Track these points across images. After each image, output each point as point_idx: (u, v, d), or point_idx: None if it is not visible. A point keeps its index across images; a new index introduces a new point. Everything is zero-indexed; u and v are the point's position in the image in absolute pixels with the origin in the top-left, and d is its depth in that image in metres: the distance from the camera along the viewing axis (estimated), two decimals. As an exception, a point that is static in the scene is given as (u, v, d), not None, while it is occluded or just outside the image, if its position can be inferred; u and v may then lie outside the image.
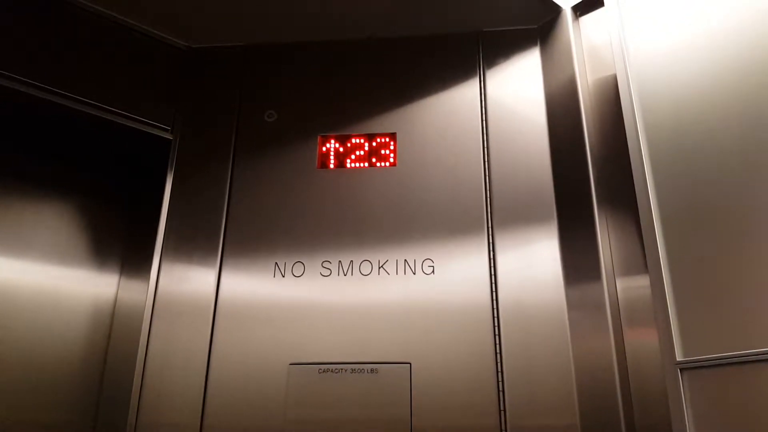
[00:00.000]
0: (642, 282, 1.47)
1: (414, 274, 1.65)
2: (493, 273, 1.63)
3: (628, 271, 1.53)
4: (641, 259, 1.48)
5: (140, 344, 1.63)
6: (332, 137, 1.86)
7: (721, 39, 1.38)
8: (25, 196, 1.91)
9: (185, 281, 1.71)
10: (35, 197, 1.93)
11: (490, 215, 1.69)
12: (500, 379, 1.51)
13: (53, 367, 1.79)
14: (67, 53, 1.78)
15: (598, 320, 1.49)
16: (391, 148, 1.82)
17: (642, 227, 1.46)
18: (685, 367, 1.29)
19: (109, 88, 1.81)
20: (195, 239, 1.75)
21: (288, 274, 1.69)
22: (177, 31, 1.97)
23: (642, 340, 1.45)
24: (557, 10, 1.85)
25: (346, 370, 1.56)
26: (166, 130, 1.89)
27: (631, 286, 1.51)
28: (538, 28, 1.90)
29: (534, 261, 1.63)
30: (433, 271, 1.65)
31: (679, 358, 1.31)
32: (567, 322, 1.55)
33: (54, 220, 1.94)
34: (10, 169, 1.91)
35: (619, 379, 1.42)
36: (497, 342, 1.55)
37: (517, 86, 1.84)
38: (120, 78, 1.85)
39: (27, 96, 1.68)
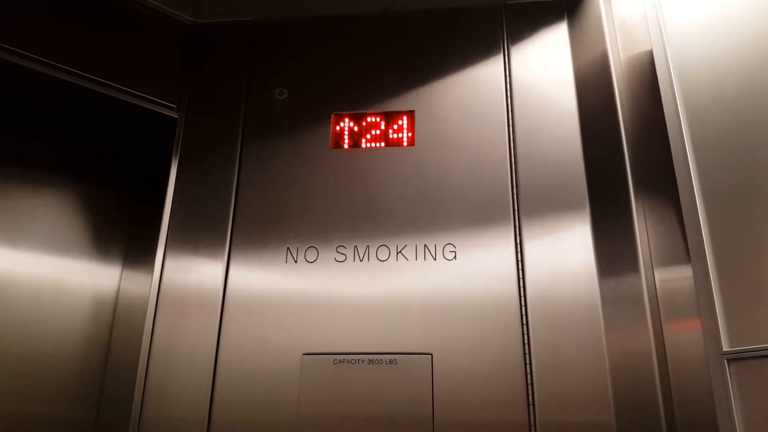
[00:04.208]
0: (683, 272, 1.37)
1: (435, 259, 1.56)
2: (520, 260, 1.54)
3: (668, 260, 1.42)
4: (682, 247, 1.38)
5: (144, 337, 1.57)
6: (346, 116, 1.77)
7: (762, 7, 1.29)
8: (22, 181, 1.85)
9: (192, 270, 1.63)
10: (33, 182, 1.86)
11: (516, 199, 1.60)
12: (529, 372, 1.42)
13: (53, 360, 1.75)
14: (67, 26, 1.70)
15: (635, 314, 1.39)
16: (410, 126, 1.72)
17: (683, 212, 1.37)
18: (732, 358, 1.22)
19: (111, 63, 1.73)
20: (202, 225, 1.67)
21: (301, 259, 1.60)
22: (183, 5, 1.89)
23: (683, 334, 1.36)
24: (584, -19, 1.75)
25: (362, 361, 1.48)
26: (171, 108, 1.81)
27: (671, 278, 1.41)
28: (565, 0, 1.80)
29: (564, 249, 1.53)
30: (455, 257, 1.56)
31: (725, 348, 1.23)
32: (601, 314, 1.45)
33: (53, 207, 1.88)
34: (5, 151, 1.84)
35: (659, 374, 1.33)
36: (525, 332, 1.46)
37: (544, 63, 1.74)
38: (123, 53, 1.78)
39: (25, 70, 1.60)
